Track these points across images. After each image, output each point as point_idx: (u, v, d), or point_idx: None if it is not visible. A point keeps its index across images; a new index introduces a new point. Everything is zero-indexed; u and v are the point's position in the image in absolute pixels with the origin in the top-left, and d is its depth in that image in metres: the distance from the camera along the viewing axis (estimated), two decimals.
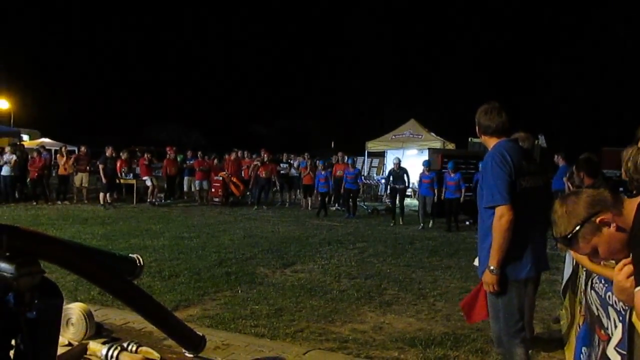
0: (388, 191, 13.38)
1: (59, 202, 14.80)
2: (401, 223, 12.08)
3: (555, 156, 10.18)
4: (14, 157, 14.36)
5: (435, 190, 11.86)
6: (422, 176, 12.02)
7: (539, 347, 4.14)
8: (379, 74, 44.34)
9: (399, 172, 12.58)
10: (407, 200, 14.46)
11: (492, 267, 2.86)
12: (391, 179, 12.69)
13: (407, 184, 12.79)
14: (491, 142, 3.10)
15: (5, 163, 14.13)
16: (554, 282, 6.18)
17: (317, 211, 13.71)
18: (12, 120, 27.93)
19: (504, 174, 2.86)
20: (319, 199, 14.18)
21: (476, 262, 3.48)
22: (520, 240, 2.86)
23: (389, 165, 20.12)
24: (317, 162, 15.47)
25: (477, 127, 3.18)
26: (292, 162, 17.18)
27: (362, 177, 16.77)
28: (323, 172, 14.23)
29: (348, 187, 13.65)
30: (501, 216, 2.81)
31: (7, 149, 14.54)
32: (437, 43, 48.34)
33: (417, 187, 12.83)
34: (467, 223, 12.07)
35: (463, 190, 11.42)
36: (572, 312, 3.95)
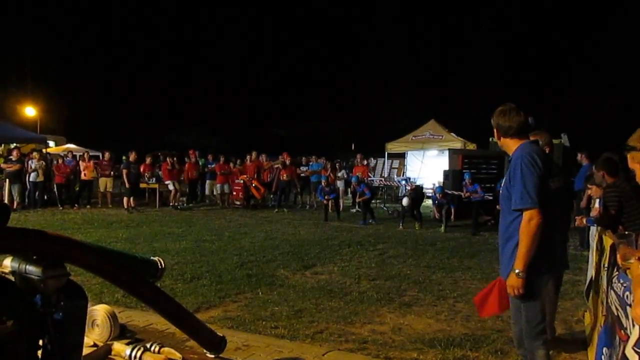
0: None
1: (79, 206, 15.12)
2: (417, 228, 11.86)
3: (579, 155, 10.00)
4: (43, 163, 14.74)
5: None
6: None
7: (561, 348, 4.11)
8: (399, 75, 44.02)
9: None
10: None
11: (517, 271, 2.81)
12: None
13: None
14: (513, 144, 3.02)
15: (34, 170, 14.50)
16: (576, 283, 6.10)
17: (337, 213, 13.72)
18: (38, 127, 28.55)
19: (535, 176, 2.81)
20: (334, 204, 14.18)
21: None
22: (544, 242, 2.82)
23: (410, 166, 20.05)
24: (337, 164, 15.44)
25: (495, 131, 3.11)
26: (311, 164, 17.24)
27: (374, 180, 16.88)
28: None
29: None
30: (530, 219, 2.78)
31: (34, 154, 14.91)
32: (457, 42, 47.91)
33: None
34: (489, 224, 11.96)
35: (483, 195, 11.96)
36: (595, 313, 3.91)
